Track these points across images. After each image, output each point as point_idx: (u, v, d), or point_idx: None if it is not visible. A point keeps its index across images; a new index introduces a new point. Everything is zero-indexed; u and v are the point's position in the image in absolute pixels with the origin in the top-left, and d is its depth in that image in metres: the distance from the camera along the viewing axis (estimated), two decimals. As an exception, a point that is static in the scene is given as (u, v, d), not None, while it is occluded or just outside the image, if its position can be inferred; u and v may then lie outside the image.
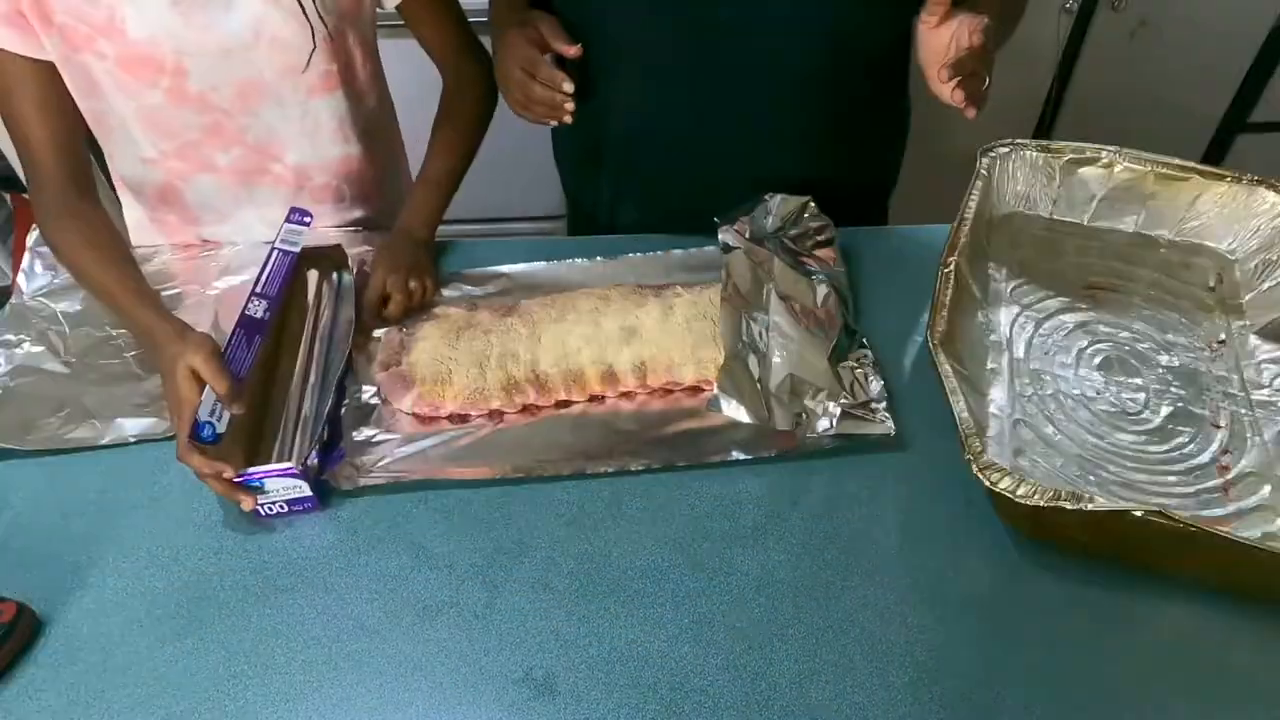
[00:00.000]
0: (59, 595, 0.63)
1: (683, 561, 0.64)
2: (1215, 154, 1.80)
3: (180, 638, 0.60)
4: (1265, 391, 0.72)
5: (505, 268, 0.87)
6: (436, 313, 0.80)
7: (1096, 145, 0.86)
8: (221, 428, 0.65)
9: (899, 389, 0.75)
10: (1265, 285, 0.79)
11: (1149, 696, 0.56)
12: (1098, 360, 0.76)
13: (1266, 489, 0.65)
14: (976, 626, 0.60)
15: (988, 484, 0.58)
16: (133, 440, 0.72)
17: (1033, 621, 0.60)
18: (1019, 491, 0.57)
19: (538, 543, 0.65)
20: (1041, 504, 0.56)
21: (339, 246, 0.84)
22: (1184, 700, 0.56)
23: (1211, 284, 0.82)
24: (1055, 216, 0.89)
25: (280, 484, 0.65)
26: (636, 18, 0.81)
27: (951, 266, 0.73)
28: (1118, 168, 0.86)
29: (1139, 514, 0.54)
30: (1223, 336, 0.77)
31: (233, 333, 0.69)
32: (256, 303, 0.72)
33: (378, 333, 0.80)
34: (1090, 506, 0.55)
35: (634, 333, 0.75)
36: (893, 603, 0.61)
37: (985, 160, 0.87)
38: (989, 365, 0.75)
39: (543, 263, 0.88)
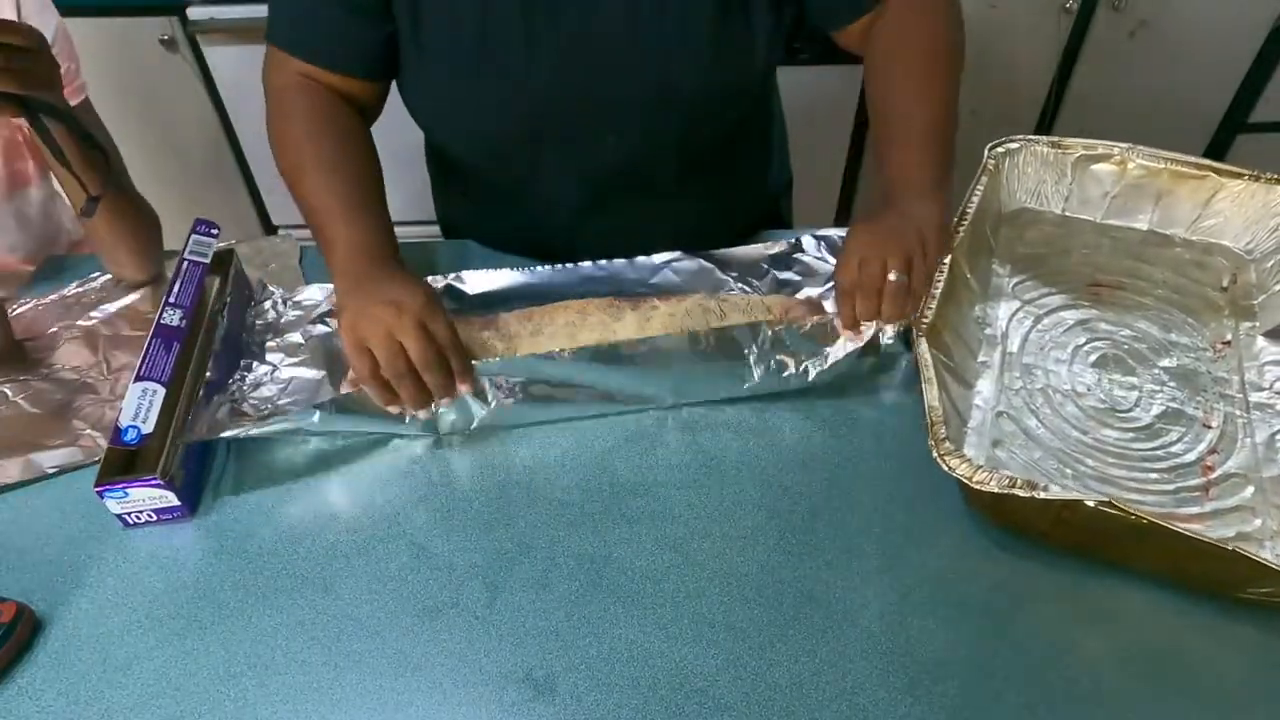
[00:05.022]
0: (58, 595, 0.63)
1: (682, 561, 0.64)
2: (1215, 154, 1.80)
3: (180, 638, 0.60)
4: (1264, 394, 0.72)
5: (485, 285, 0.85)
6: None
7: (1108, 142, 0.86)
8: (147, 429, 0.65)
9: (901, 388, 0.75)
10: (1279, 287, 0.79)
11: (1152, 697, 0.56)
12: (1094, 358, 0.76)
13: (1249, 490, 0.65)
14: (977, 627, 0.60)
15: (946, 468, 0.59)
16: (51, 472, 0.71)
17: (1035, 622, 0.60)
18: (975, 478, 0.58)
19: (538, 543, 0.65)
20: (996, 490, 0.57)
21: (231, 251, 0.84)
22: (1186, 701, 0.56)
23: (1225, 284, 0.82)
24: (1068, 213, 0.89)
25: (145, 494, 0.65)
26: (516, 153, 0.82)
27: (946, 260, 0.73)
28: (1130, 165, 0.85)
29: (1090, 504, 0.55)
30: (1229, 338, 0.77)
31: (149, 342, 0.70)
32: (171, 312, 0.73)
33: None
34: (1042, 495, 0.56)
35: None
36: (893, 603, 0.61)
37: (993, 156, 0.86)
38: (980, 358, 0.75)
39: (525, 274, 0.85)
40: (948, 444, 0.60)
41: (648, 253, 0.84)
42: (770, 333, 0.71)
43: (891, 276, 0.68)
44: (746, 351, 0.72)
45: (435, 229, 1.05)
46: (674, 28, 0.73)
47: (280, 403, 0.71)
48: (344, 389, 0.73)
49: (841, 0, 0.78)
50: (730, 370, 0.73)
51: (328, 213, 0.73)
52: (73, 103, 0.87)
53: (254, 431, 0.67)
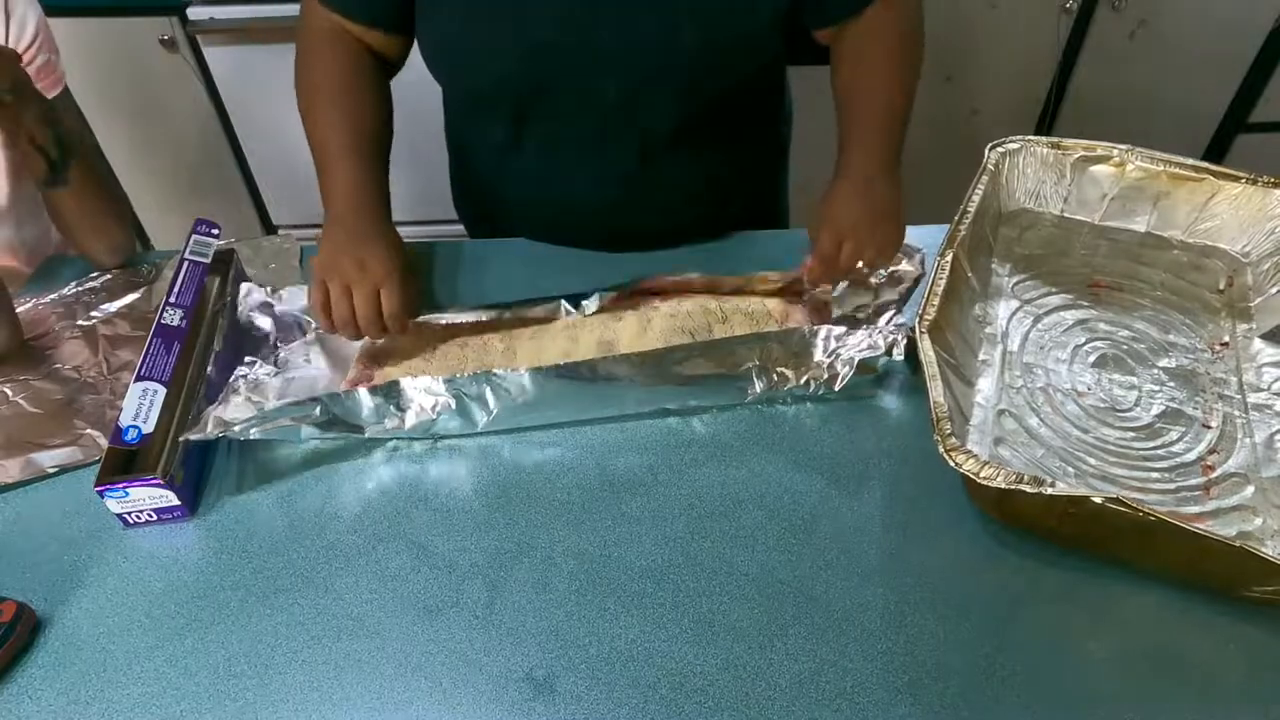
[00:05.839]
0: (59, 595, 0.63)
1: (683, 561, 0.64)
2: (1215, 154, 1.80)
3: (180, 638, 0.60)
4: (1262, 395, 0.72)
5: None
6: (415, 323, 0.79)
7: (1108, 144, 0.86)
8: (148, 428, 0.66)
9: (901, 389, 0.75)
10: (1275, 289, 0.79)
11: (1153, 696, 0.56)
12: (1093, 358, 0.76)
13: (1249, 489, 0.65)
14: (977, 627, 0.60)
15: (953, 464, 0.59)
16: (52, 471, 0.71)
17: (1035, 622, 0.60)
18: (982, 474, 0.58)
19: (538, 543, 0.65)
20: (1004, 486, 0.57)
21: (231, 251, 0.84)
22: (1188, 701, 0.56)
23: (1222, 286, 0.82)
24: (1066, 214, 0.89)
25: (145, 493, 0.65)
26: (521, 98, 0.82)
27: (948, 258, 0.73)
28: (1129, 167, 0.85)
29: (1098, 500, 0.55)
30: (1226, 339, 0.77)
31: (150, 341, 0.70)
32: (172, 312, 0.73)
33: (355, 344, 0.79)
34: (1050, 491, 0.56)
35: (611, 347, 0.75)
36: (893, 603, 0.61)
37: (993, 156, 0.86)
38: (981, 356, 0.75)
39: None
40: (953, 439, 0.60)
41: (642, 216, 0.84)
42: (773, 347, 0.71)
43: (863, 267, 0.77)
44: (749, 366, 0.72)
45: (439, 229, 1.05)
46: None
47: (281, 400, 0.71)
48: (343, 388, 0.73)
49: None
50: (733, 384, 0.73)
51: (330, 156, 0.79)
52: (52, 94, 0.89)
53: (254, 432, 0.67)
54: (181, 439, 0.67)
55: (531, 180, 0.90)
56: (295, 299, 0.81)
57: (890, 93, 0.81)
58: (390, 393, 0.69)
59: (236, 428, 0.67)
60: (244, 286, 0.80)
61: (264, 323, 0.79)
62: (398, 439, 0.72)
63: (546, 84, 0.80)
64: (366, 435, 0.71)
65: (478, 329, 0.79)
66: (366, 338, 0.77)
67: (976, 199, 0.80)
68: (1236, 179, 0.82)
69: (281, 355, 0.76)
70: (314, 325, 0.78)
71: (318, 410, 0.68)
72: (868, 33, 0.83)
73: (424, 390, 0.69)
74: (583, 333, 0.77)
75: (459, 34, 0.78)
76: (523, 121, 0.85)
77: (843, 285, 0.80)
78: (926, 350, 0.66)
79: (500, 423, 0.71)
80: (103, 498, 0.65)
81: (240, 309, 0.79)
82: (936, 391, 0.63)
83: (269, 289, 0.82)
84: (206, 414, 0.68)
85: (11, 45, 0.83)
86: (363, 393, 0.69)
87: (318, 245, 0.79)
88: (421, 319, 0.80)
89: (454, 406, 0.70)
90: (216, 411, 0.68)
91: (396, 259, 0.76)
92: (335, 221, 0.77)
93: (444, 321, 0.79)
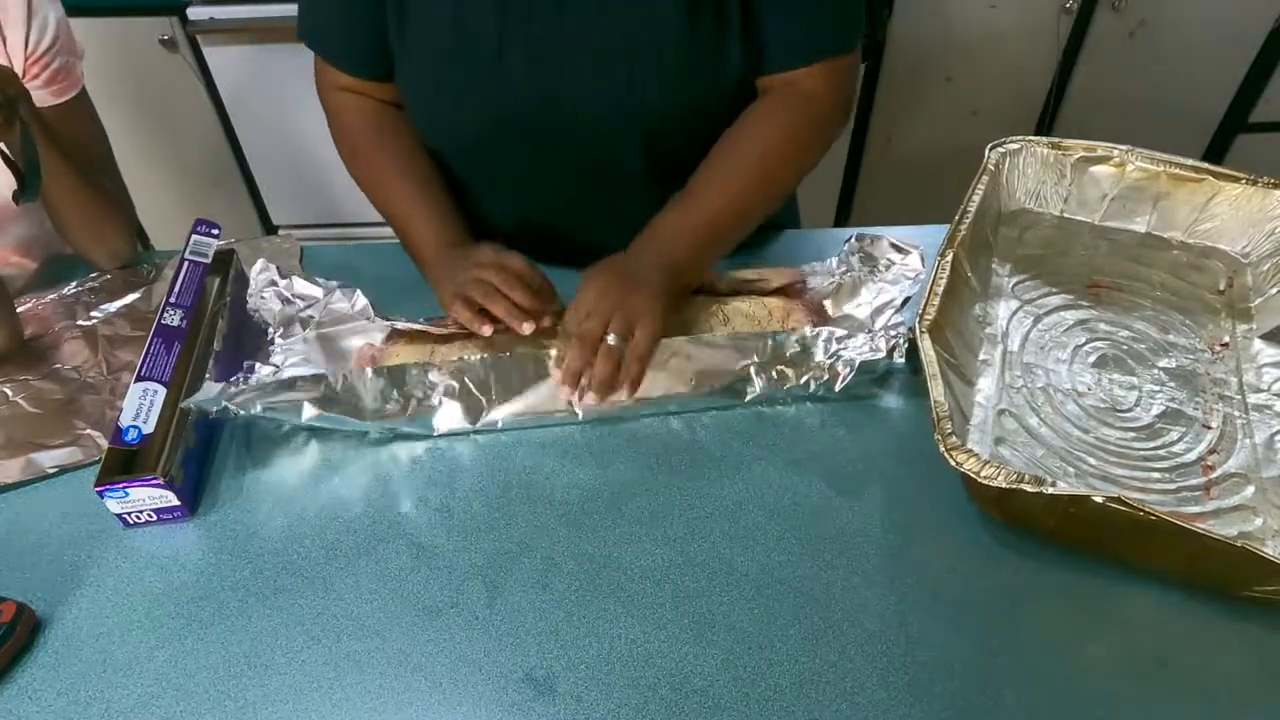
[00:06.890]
0: (59, 595, 0.63)
1: (683, 561, 0.64)
2: (1215, 154, 1.81)
3: (180, 638, 0.60)
4: (1263, 395, 0.72)
5: None
6: (416, 325, 0.79)
7: (1108, 144, 0.86)
8: (148, 428, 0.66)
9: (901, 388, 0.75)
10: (1275, 290, 0.79)
11: (1154, 696, 0.56)
12: (1093, 358, 0.76)
13: (1250, 490, 0.65)
14: (978, 627, 0.60)
15: (953, 464, 0.59)
16: (52, 472, 0.71)
17: (1036, 622, 0.60)
18: (983, 473, 0.58)
19: (538, 543, 0.65)
20: (1004, 485, 0.57)
21: (231, 251, 0.84)
22: (1189, 701, 0.56)
23: (1222, 287, 0.82)
24: (1066, 214, 0.89)
25: (145, 493, 0.65)
26: (491, 155, 0.84)
27: (949, 258, 0.73)
28: (1129, 167, 0.86)
29: (1098, 500, 0.55)
30: (1226, 339, 0.77)
31: (150, 341, 0.71)
32: (172, 312, 0.74)
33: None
34: (1051, 490, 0.55)
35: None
36: (893, 603, 0.61)
37: (994, 156, 0.87)
38: (981, 356, 0.75)
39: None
40: (954, 439, 0.60)
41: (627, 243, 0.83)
42: (771, 344, 0.71)
43: (610, 340, 0.70)
44: (748, 364, 0.72)
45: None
46: (642, 39, 0.74)
47: (283, 396, 0.71)
48: (353, 365, 0.74)
49: (797, 45, 0.78)
50: (733, 384, 0.73)
51: (407, 218, 0.83)
52: (69, 95, 0.89)
53: (258, 405, 0.67)
54: (183, 404, 0.67)
55: (507, 219, 0.91)
56: (302, 288, 0.81)
57: (730, 196, 0.77)
58: (395, 376, 0.70)
59: (240, 398, 0.67)
60: (259, 263, 0.80)
61: (271, 306, 0.79)
62: (398, 437, 0.72)
63: (511, 139, 0.81)
64: (366, 421, 0.71)
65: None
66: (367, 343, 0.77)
67: (976, 199, 0.80)
68: (1236, 179, 0.82)
69: (278, 355, 0.76)
70: (314, 321, 0.78)
71: (322, 387, 0.68)
72: (763, 113, 0.80)
73: (429, 377, 0.70)
74: None
75: (430, 93, 0.80)
76: (493, 172, 0.87)
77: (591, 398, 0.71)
78: (927, 350, 0.66)
79: (501, 414, 0.72)
80: (103, 498, 0.65)
81: (251, 287, 0.79)
82: (937, 391, 0.63)
83: (278, 273, 0.81)
84: (210, 384, 0.68)
85: (31, 47, 0.84)
86: (368, 373, 0.69)
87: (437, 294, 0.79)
88: (419, 326, 0.79)
89: (457, 390, 0.70)
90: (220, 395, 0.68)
91: (497, 245, 0.78)
92: (435, 268, 0.79)
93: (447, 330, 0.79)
